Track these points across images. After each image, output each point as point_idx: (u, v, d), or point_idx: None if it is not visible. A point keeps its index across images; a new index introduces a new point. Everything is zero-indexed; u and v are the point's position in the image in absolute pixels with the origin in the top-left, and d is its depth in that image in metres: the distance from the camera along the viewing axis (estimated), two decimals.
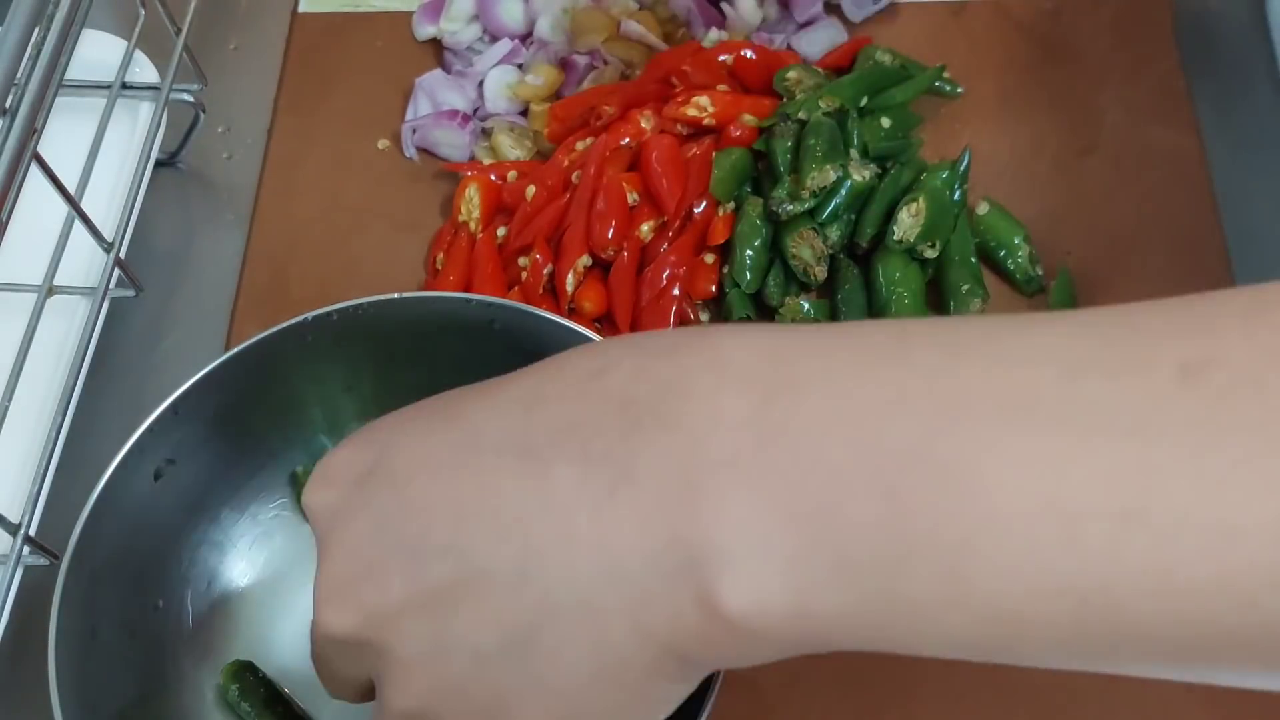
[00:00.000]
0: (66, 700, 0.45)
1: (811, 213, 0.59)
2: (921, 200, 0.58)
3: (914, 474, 0.28)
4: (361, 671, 0.36)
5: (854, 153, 0.60)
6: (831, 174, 0.58)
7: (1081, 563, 0.27)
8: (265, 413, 0.54)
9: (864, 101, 0.63)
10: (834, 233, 0.59)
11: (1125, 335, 0.29)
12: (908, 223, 0.58)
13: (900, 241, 0.58)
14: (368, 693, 0.37)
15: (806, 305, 0.59)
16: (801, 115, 0.61)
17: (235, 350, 0.51)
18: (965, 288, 0.59)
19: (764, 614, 0.29)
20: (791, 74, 0.64)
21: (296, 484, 0.55)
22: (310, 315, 0.51)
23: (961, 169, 0.62)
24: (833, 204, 0.59)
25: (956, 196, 0.61)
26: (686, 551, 0.30)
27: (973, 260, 0.60)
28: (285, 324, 0.51)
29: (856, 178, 0.59)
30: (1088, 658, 0.29)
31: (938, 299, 0.60)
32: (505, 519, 0.32)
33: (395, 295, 0.52)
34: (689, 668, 0.32)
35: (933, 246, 0.59)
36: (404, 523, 0.33)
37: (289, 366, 0.52)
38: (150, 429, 0.49)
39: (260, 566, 0.55)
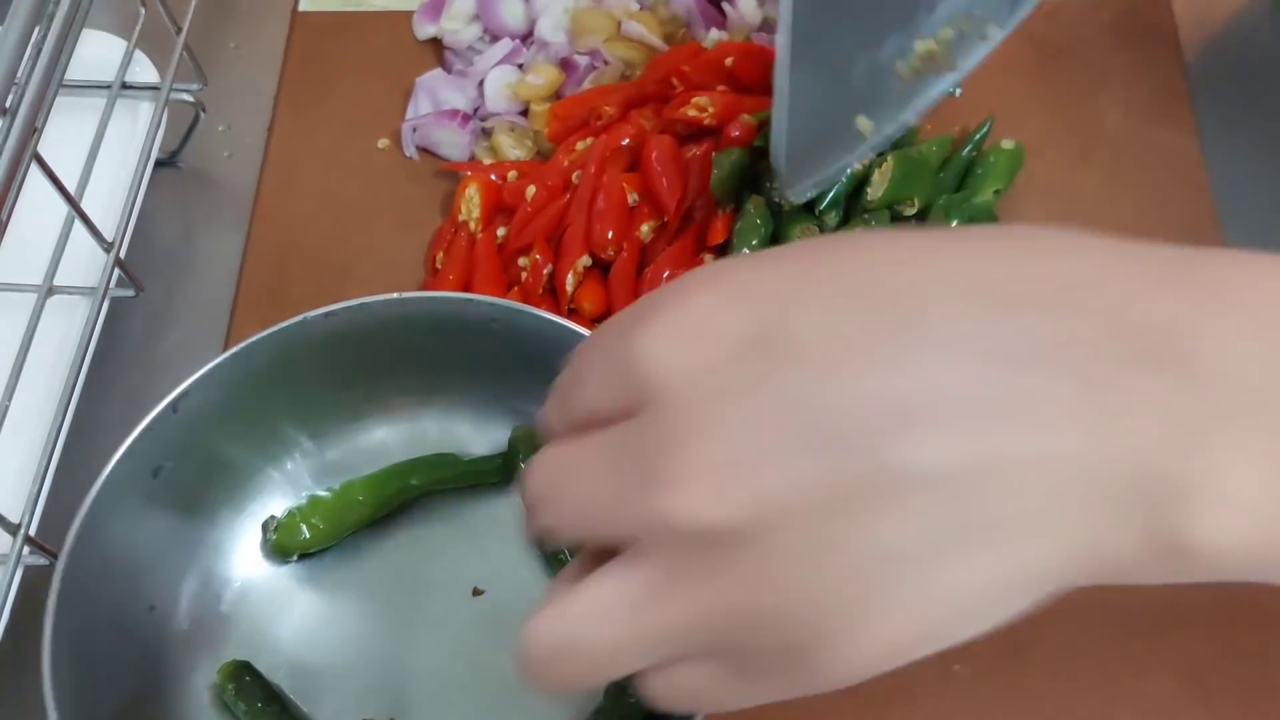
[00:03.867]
0: (62, 701, 0.45)
1: (810, 204, 0.59)
2: (890, 160, 0.59)
3: None
4: (626, 539, 0.32)
5: None
6: None
7: None
8: (264, 412, 0.54)
9: None
10: (832, 220, 0.60)
11: None
12: (877, 182, 0.59)
13: (874, 201, 0.58)
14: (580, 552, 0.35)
15: None
16: None
17: (235, 349, 0.51)
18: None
19: (1223, 550, 0.29)
20: None
21: (268, 531, 0.54)
22: (310, 314, 0.51)
23: (978, 137, 0.64)
24: (833, 192, 0.59)
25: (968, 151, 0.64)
26: (1168, 486, 0.29)
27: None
28: (286, 323, 0.51)
29: (857, 165, 0.59)
30: None
31: None
32: (962, 423, 0.29)
33: (395, 295, 0.52)
34: (1063, 587, 0.31)
35: (912, 204, 0.60)
36: (818, 409, 0.29)
37: (289, 365, 0.52)
38: (149, 428, 0.49)
39: (256, 567, 0.55)
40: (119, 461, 0.49)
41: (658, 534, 0.30)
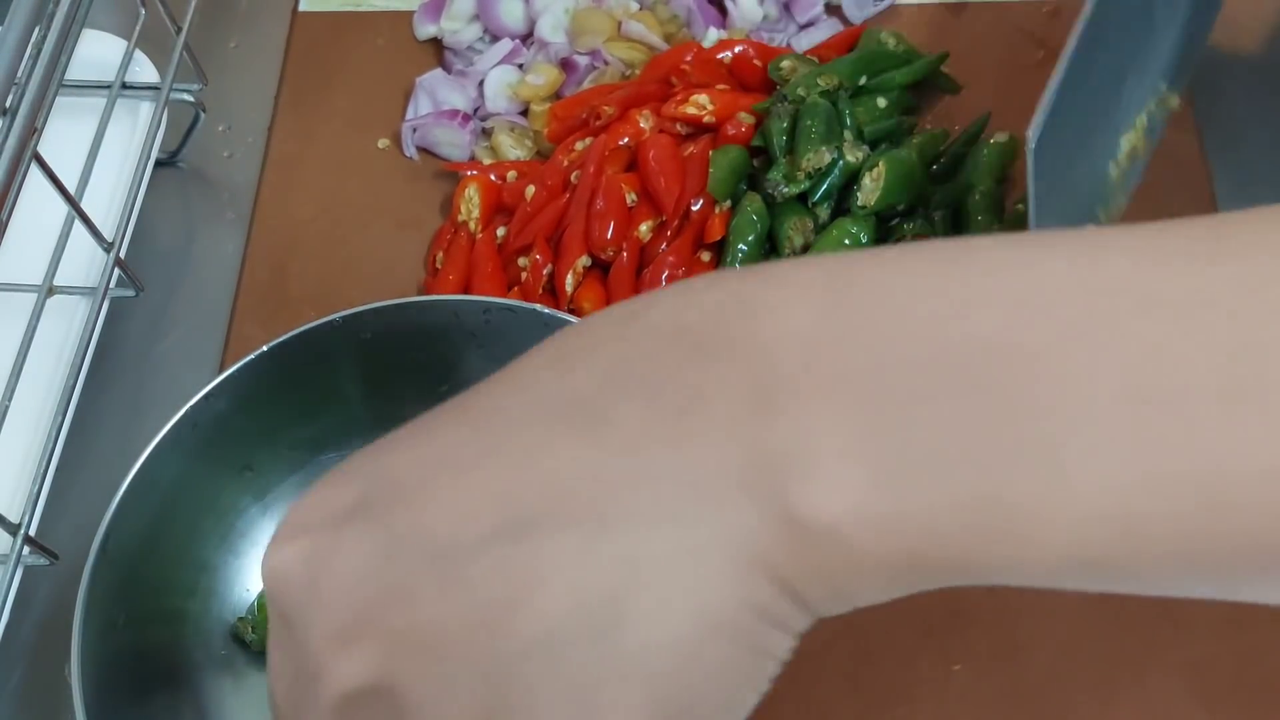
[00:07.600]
0: (88, 692, 0.45)
1: (803, 195, 0.60)
2: (881, 164, 0.59)
3: (1001, 366, 0.27)
4: None
5: (848, 134, 0.61)
6: (827, 155, 0.59)
7: (1191, 446, 0.26)
8: (298, 405, 0.53)
9: (862, 80, 0.64)
10: (824, 212, 0.60)
11: (1210, 228, 0.28)
12: (869, 187, 0.59)
13: (864, 206, 0.59)
14: None
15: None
16: (800, 92, 0.61)
17: (296, 332, 0.51)
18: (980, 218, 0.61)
19: (853, 520, 0.27)
20: (786, 63, 0.64)
21: (238, 636, 0.52)
22: (363, 309, 0.51)
23: (973, 132, 0.64)
24: (826, 185, 0.60)
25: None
26: (768, 461, 0.27)
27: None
28: (341, 314, 0.51)
29: (850, 159, 0.60)
30: (1210, 567, 0.27)
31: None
32: (565, 479, 0.28)
33: (455, 297, 0.53)
34: (794, 605, 0.28)
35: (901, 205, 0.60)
36: (428, 532, 0.29)
37: (333, 360, 0.53)
38: (186, 413, 0.49)
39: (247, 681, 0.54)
40: (149, 456, 0.49)
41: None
